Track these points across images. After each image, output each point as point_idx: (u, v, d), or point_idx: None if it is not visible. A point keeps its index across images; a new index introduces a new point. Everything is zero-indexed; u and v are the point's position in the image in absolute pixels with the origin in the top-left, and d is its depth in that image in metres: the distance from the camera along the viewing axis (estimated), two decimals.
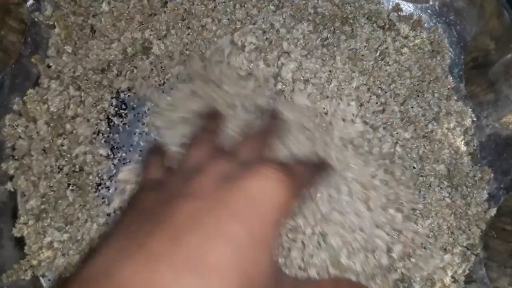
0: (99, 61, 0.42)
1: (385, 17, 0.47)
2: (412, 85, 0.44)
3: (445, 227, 0.41)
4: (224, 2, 0.45)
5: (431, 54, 0.47)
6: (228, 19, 0.44)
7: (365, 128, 0.41)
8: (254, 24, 0.44)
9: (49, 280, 0.40)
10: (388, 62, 0.44)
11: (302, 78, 0.42)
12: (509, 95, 0.46)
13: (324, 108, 0.41)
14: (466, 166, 0.44)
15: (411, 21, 0.49)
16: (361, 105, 0.42)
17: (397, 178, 0.41)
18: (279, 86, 0.41)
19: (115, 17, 0.44)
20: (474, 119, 0.46)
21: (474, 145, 0.46)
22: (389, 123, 0.42)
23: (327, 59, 0.43)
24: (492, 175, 0.45)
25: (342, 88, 0.42)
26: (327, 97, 0.41)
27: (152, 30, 0.43)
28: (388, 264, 0.38)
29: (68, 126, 0.41)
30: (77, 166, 0.40)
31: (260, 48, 0.42)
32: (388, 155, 0.41)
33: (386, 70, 0.44)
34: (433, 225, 0.40)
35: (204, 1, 0.44)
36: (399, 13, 0.49)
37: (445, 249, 0.41)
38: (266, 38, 0.43)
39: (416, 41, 0.47)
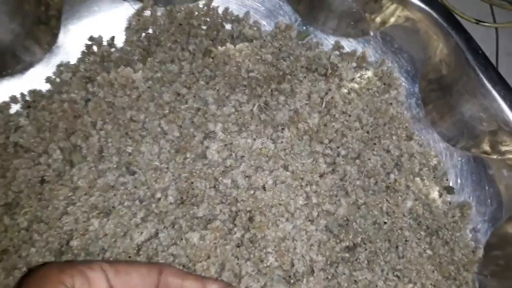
0: (29, 181, 0.41)
1: (325, 62, 0.46)
2: (366, 133, 0.44)
3: (429, 285, 0.40)
4: (149, 87, 0.44)
5: (382, 90, 0.46)
6: (156, 104, 0.43)
7: (307, 199, 0.41)
8: (186, 103, 0.43)
9: None
10: (334, 115, 0.43)
11: (234, 156, 0.41)
12: (472, 118, 0.45)
13: (261, 181, 0.40)
14: (442, 207, 0.43)
15: (355, 58, 0.48)
16: (304, 172, 0.41)
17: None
18: (207, 169, 0.41)
19: (37, 128, 0.43)
20: (442, 150, 0.45)
21: (447, 180, 0.45)
22: (339, 183, 0.41)
23: (263, 129, 0.42)
24: (473, 208, 0.44)
25: (282, 159, 0.41)
26: (264, 170, 0.40)
27: (78, 134, 0.42)
28: None
29: None
30: None
31: (183, 135, 0.42)
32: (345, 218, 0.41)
33: (333, 126, 0.43)
34: (416, 287, 0.39)
35: (127, 92, 0.43)
36: (341, 50, 0.48)
37: None
38: (192, 122, 0.42)
39: (363, 82, 0.46)
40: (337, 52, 0.48)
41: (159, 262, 0.37)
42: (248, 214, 0.40)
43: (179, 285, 0.31)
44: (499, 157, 0.44)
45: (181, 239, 0.38)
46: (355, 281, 0.39)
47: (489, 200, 0.44)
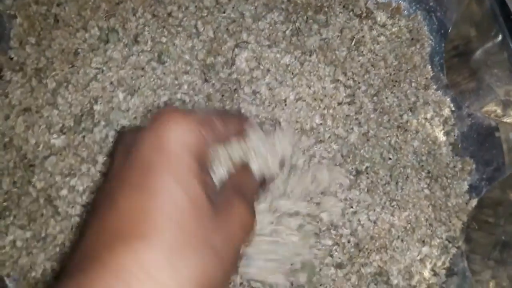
0: (63, 51, 0.43)
1: (362, 5, 0.48)
2: (388, 74, 0.46)
3: (423, 219, 0.42)
4: None
5: (410, 42, 0.48)
6: (196, 6, 0.45)
7: (323, 120, 0.43)
8: (223, 12, 0.45)
9: (14, 279, 0.41)
10: (362, 52, 0.46)
11: (261, 68, 0.43)
12: (491, 84, 0.47)
13: (283, 94, 0.42)
14: (445, 157, 0.45)
15: (390, 9, 0.50)
16: (325, 96, 0.43)
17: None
18: (234, 75, 0.43)
19: (80, 5, 0.45)
20: (453, 108, 0.47)
21: (455, 135, 0.47)
22: (354, 114, 0.44)
23: (292, 50, 0.44)
24: (473, 166, 0.46)
25: (306, 79, 0.43)
26: (287, 85, 0.42)
27: (117, 18, 0.44)
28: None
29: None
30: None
31: (217, 38, 0.43)
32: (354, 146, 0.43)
33: (359, 61, 0.45)
34: (410, 217, 0.42)
35: None
36: (377, 0, 0.50)
37: (423, 241, 0.42)
38: (227, 29, 0.44)
39: (394, 29, 0.48)
40: (374, 1, 0.50)
41: None
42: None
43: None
44: (509, 121, 0.46)
45: None
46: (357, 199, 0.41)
47: (490, 161, 0.46)
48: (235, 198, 0.30)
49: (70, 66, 0.42)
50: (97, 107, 0.41)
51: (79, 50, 0.43)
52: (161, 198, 0.25)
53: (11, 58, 0.44)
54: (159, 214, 0.25)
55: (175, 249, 0.24)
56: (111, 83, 0.41)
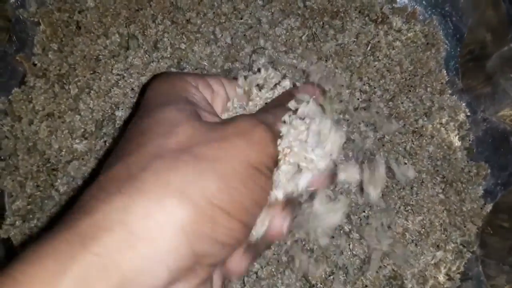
0: (85, 57, 0.44)
1: (378, 10, 0.49)
2: (403, 79, 0.46)
3: (437, 223, 0.42)
4: None
5: (425, 47, 0.49)
6: (214, 13, 0.45)
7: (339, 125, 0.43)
8: (240, 19, 0.46)
9: None
10: (378, 57, 0.46)
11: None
12: (506, 88, 0.47)
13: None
14: (460, 162, 0.45)
15: (405, 13, 0.50)
16: (341, 101, 0.44)
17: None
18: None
19: (101, 13, 0.46)
20: (468, 113, 0.47)
21: (470, 140, 0.47)
22: (369, 119, 0.44)
23: (308, 55, 0.44)
24: (488, 170, 0.46)
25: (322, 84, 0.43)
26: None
27: (137, 25, 0.45)
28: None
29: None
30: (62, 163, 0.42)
31: (234, 45, 0.44)
32: (372, 150, 0.43)
33: (374, 66, 0.45)
34: (424, 222, 0.42)
35: None
36: (393, 5, 0.51)
37: (437, 246, 0.42)
38: (245, 35, 0.44)
39: (409, 34, 0.48)
40: (389, 6, 0.50)
41: None
42: None
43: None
44: None
45: None
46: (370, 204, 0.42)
47: (505, 166, 0.47)
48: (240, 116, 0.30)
49: (91, 72, 0.43)
50: (118, 113, 0.42)
51: (100, 56, 0.44)
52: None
53: (35, 64, 0.45)
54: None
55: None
56: (132, 89, 0.42)
